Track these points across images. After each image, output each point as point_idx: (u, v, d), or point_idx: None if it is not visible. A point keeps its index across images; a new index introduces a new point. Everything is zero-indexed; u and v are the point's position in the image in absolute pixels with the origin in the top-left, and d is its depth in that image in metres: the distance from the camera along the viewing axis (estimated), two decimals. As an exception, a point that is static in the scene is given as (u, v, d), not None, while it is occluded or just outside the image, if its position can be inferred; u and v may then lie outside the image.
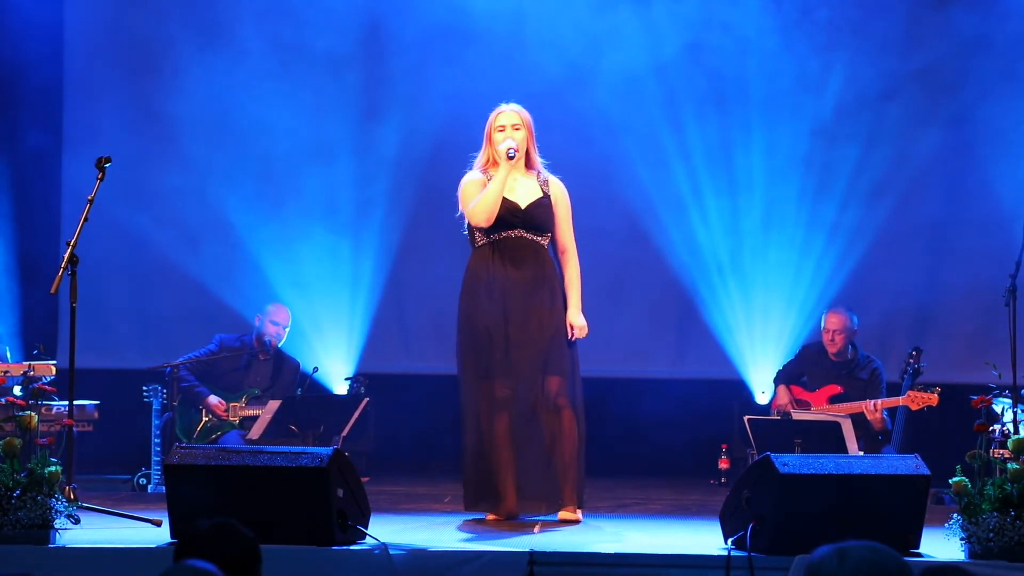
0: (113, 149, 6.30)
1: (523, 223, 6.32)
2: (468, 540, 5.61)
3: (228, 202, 9.57)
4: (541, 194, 6.38)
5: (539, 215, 6.34)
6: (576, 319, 6.34)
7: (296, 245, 9.57)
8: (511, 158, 6.27)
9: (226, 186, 9.57)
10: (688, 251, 9.47)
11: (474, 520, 6.21)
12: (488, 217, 6.25)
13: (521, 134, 6.36)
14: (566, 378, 6.28)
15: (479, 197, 6.25)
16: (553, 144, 6.78)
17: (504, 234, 6.31)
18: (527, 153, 6.40)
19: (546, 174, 6.45)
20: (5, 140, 9.42)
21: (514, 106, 6.42)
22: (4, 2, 9.46)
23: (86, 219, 5.90)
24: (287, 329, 8.72)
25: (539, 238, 6.36)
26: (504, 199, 6.28)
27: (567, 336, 6.32)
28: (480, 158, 6.43)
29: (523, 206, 6.32)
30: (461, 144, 6.58)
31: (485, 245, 6.33)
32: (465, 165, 6.51)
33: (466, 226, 6.41)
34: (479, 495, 6.33)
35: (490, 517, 6.24)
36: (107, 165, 6.01)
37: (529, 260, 6.31)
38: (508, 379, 6.25)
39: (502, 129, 6.35)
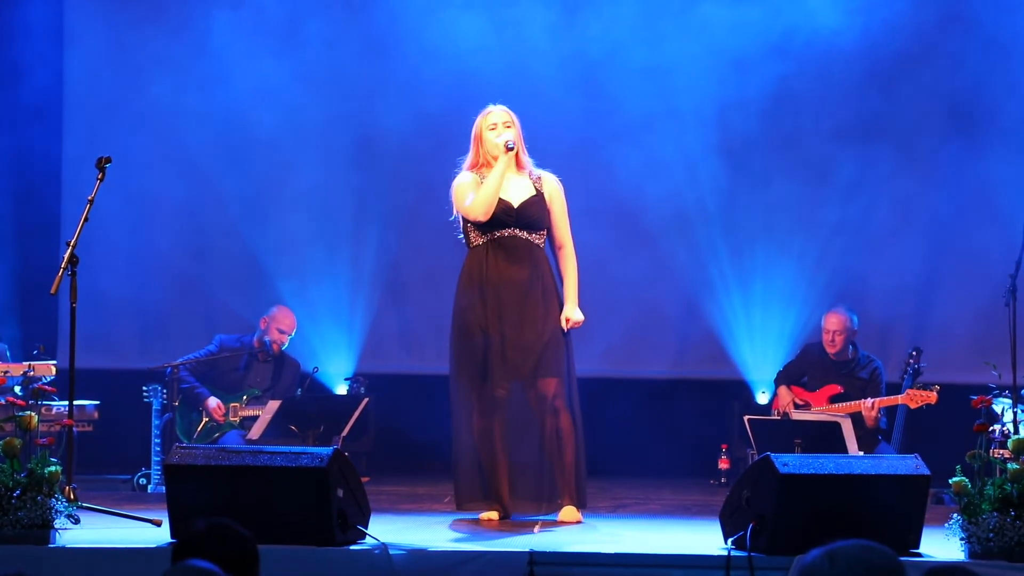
0: (113, 149, 6.30)
1: (516, 222, 6.30)
2: (468, 540, 5.61)
3: (228, 202, 9.57)
4: (534, 192, 6.36)
5: (533, 213, 6.33)
6: (572, 313, 6.30)
7: (296, 245, 9.57)
8: (511, 149, 6.26)
9: (226, 186, 9.57)
10: (688, 251, 9.46)
11: (474, 520, 6.21)
12: (487, 211, 6.22)
13: (513, 131, 6.35)
14: (562, 380, 6.26)
15: (479, 192, 6.24)
16: (554, 145, 6.78)
17: (499, 233, 6.29)
18: (517, 152, 6.36)
19: (538, 171, 6.43)
20: (5, 140, 9.42)
21: (502, 106, 6.41)
22: (4, 2, 9.46)
23: (86, 219, 5.90)
24: (291, 336, 8.71)
25: (533, 236, 6.33)
26: (498, 198, 6.29)
27: (563, 337, 6.29)
28: (469, 160, 6.42)
29: (516, 205, 6.31)
30: (463, 143, 6.57)
31: (480, 245, 6.31)
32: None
33: (461, 227, 6.40)
34: (472, 494, 6.34)
35: (483, 517, 6.24)
36: (107, 165, 6.00)
37: (524, 259, 6.29)
38: (503, 380, 6.25)
39: (493, 128, 6.33)
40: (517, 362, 6.23)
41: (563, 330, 6.29)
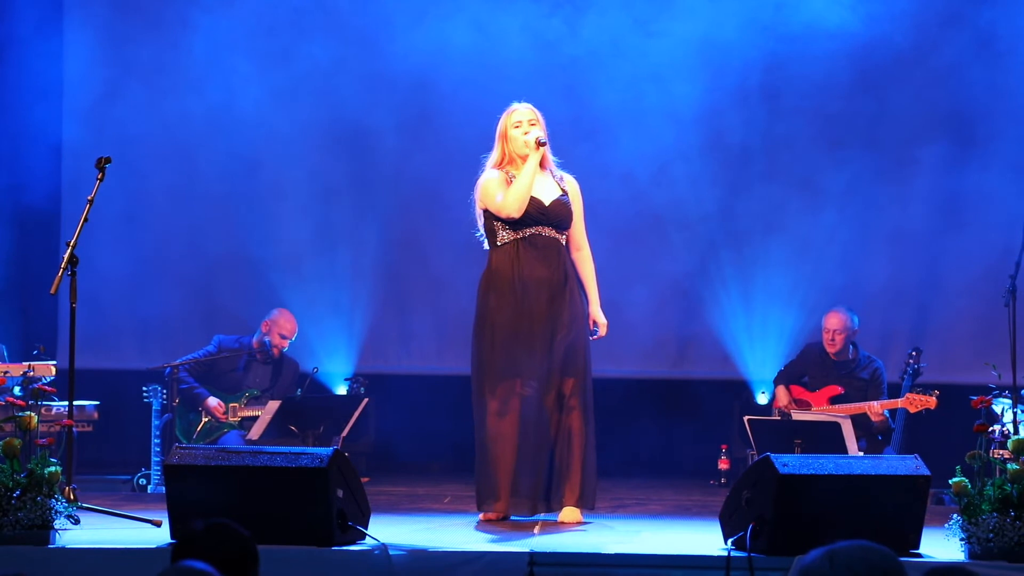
0: (113, 148, 6.29)
1: (547, 220, 6.27)
2: (468, 540, 5.61)
3: (228, 202, 9.57)
4: (560, 192, 6.35)
5: (561, 213, 6.31)
6: (601, 316, 6.36)
7: (296, 245, 9.57)
8: (544, 144, 6.25)
9: (226, 186, 9.57)
10: (688, 251, 9.46)
11: (474, 520, 6.20)
12: (521, 207, 6.17)
13: (540, 128, 6.32)
14: (580, 379, 6.25)
15: (512, 188, 6.20)
16: (556, 144, 6.77)
17: (530, 231, 6.26)
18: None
19: (560, 172, 6.43)
20: (4, 140, 9.42)
21: (527, 103, 6.38)
22: (3, 3, 9.47)
23: (86, 219, 5.89)
24: (292, 341, 8.71)
25: (560, 236, 6.32)
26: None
27: (586, 336, 6.30)
28: (493, 157, 6.36)
29: (547, 203, 6.29)
30: (464, 143, 6.57)
31: (509, 243, 6.27)
32: (466, 164, 6.48)
33: (482, 225, 6.35)
34: (488, 494, 6.29)
35: (484, 517, 6.22)
36: (107, 165, 6.00)
37: (554, 258, 6.27)
38: (530, 379, 6.20)
39: (518, 126, 6.30)
40: (546, 361, 6.19)
41: (586, 331, 6.30)
